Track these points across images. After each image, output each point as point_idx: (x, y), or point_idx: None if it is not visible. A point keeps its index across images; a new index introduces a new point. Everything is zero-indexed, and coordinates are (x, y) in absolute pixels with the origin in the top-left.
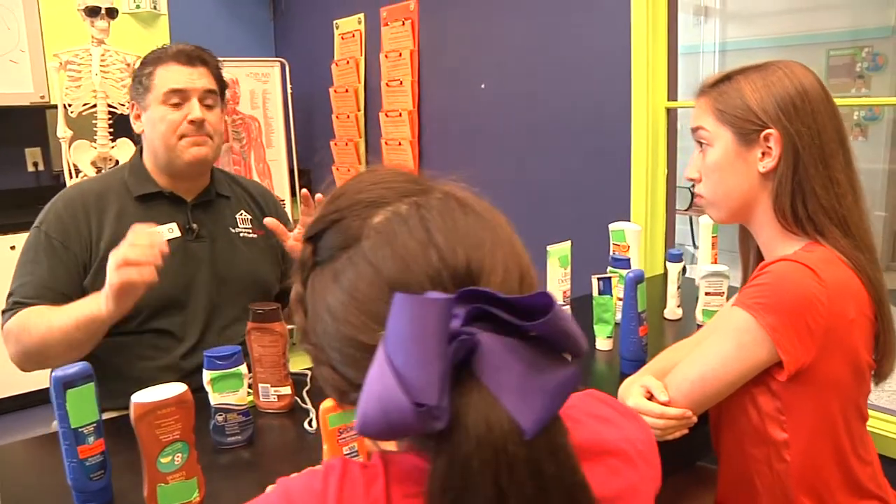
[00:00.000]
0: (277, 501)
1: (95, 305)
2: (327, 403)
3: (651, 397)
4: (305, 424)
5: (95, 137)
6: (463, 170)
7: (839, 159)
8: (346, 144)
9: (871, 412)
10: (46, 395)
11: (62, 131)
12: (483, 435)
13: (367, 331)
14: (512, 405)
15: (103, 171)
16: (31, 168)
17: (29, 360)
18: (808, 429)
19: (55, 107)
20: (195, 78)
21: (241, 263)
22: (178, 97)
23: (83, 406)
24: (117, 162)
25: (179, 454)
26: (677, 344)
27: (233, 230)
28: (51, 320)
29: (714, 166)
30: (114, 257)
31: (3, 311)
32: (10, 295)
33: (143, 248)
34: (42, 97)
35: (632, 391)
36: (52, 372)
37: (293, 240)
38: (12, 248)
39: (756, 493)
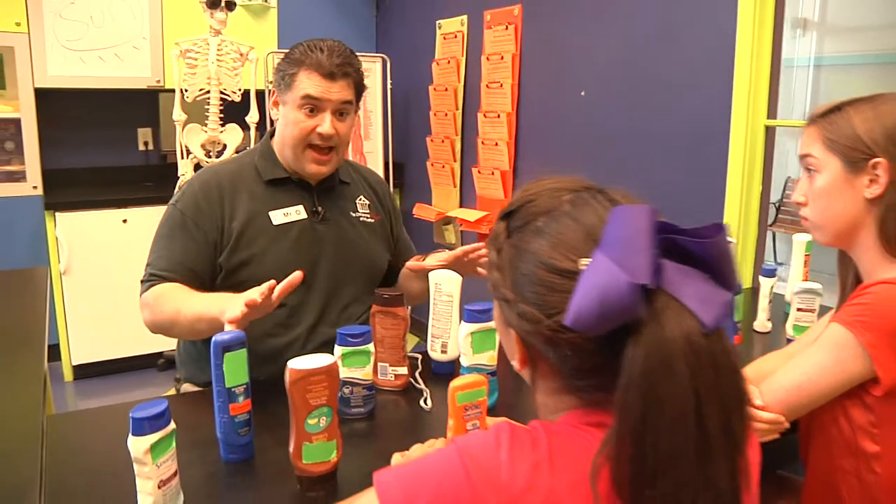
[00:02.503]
0: (455, 455)
1: (220, 308)
2: (457, 382)
3: None
4: (421, 402)
5: (206, 122)
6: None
7: None
8: (443, 141)
9: None
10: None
11: (177, 114)
12: (675, 326)
13: (567, 261)
14: (693, 307)
15: (212, 153)
16: (141, 147)
17: (158, 330)
18: None
19: (168, 91)
20: (334, 91)
21: (360, 246)
22: (314, 104)
23: (237, 368)
24: (225, 146)
25: (324, 417)
26: (768, 355)
27: (353, 214)
28: (181, 305)
29: (821, 192)
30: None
31: (142, 281)
32: (147, 265)
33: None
34: (158, 81)
35: None
36: (213, 337)
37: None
38: (124, 221)
39: None
